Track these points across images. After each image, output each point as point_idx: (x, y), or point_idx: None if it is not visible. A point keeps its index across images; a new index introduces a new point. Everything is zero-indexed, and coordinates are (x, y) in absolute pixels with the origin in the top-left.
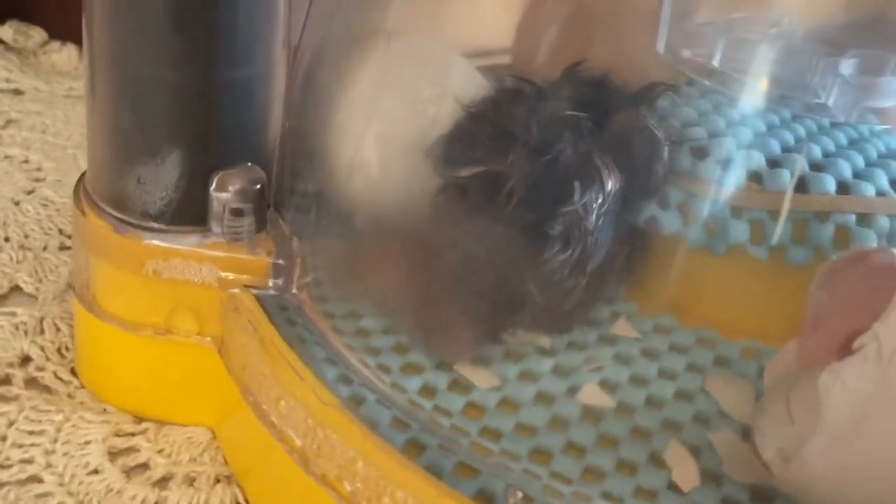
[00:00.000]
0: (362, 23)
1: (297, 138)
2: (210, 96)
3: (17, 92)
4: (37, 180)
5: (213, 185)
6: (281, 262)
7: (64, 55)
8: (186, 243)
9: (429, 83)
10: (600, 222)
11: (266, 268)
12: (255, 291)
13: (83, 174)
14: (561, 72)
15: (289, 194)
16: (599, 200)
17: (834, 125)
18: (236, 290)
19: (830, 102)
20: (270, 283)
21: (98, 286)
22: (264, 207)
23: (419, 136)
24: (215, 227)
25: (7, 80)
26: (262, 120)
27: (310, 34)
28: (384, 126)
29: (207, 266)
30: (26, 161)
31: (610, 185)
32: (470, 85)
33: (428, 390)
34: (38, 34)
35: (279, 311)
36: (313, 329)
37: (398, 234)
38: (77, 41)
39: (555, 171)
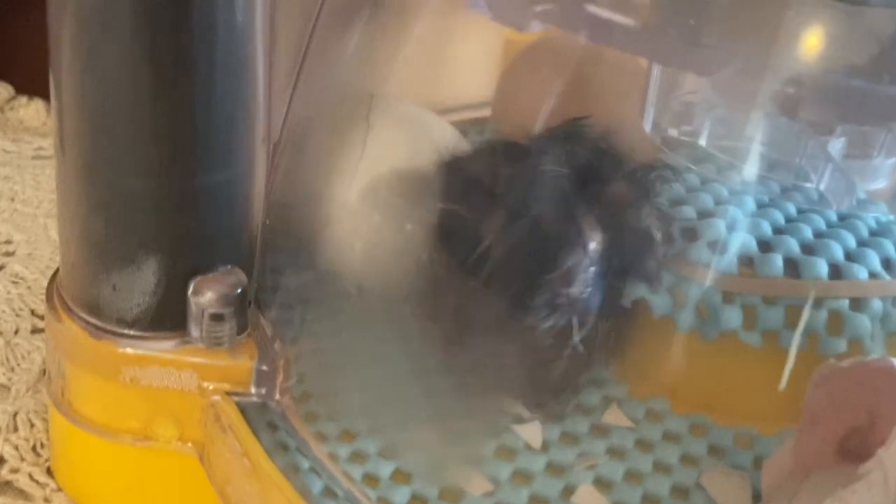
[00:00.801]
0: (345, 113)
1: (278, 234)
2: (188, 202)
3: None
4: (6, 254)
5: (192, 289)
6: (264, 367)
7: (31, 110)
8: (164, 349)
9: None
10: (587, 288)
11: (248, 373)
12: (236, 399)
13: (56, 271)
14: (560, 124)
15: (271, 292)
16: (584, 264)
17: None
18: (217, 398)
19: (822, 187)
20: (253, 391)
21: (73, 391)
22: (245, 310)
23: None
24: (194, 332)
25: None
26: (241, 220)
27: (290, 130)
28: (375, 210)
29: (187, 373)
30: None
31: (593, 246)
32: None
33: (418, 500)
34: (4, 90)
35: (261, 417)
36: (296, 436)
37: (392, 308)
38: (45, 96)
39: (536, 235)
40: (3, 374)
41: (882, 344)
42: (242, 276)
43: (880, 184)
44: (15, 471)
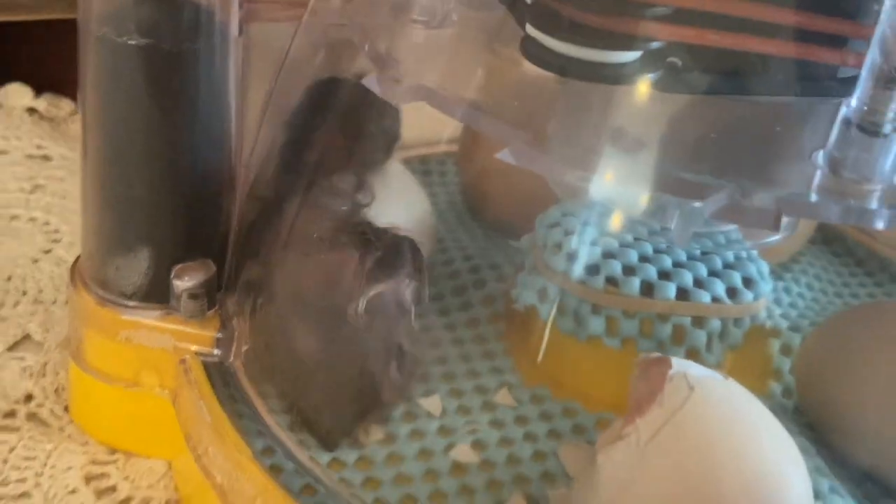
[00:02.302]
0: None
1: (245, 237)
2: (176, 209)
3: (46, 158)
4: (54, 241)
5: (174, 274)
6: (222, 336)
7: None
8: (151, 317)
9: None
10: None
11: (212, 340)
12: (202, 358)
13: (78, 257)
14: None
15: (235, 282)
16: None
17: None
18: (188, 357)
19: (672, 226)
20: (215, 353)
21: (85, 347)
22: (214, 292)
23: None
24: (174, 306)
25: (38, 147)
26: (216, 224)
27: (257, 157)
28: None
29: (167, 336)
30: (47, 223)
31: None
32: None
33: None
34: (67, 105)
35: (219, 374)
36: (242, 391)
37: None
38: None
39: None
40: (40, 333)
41: (721, 355)
42: (213, 267)
43: (729, 226)
44: (40, 405)
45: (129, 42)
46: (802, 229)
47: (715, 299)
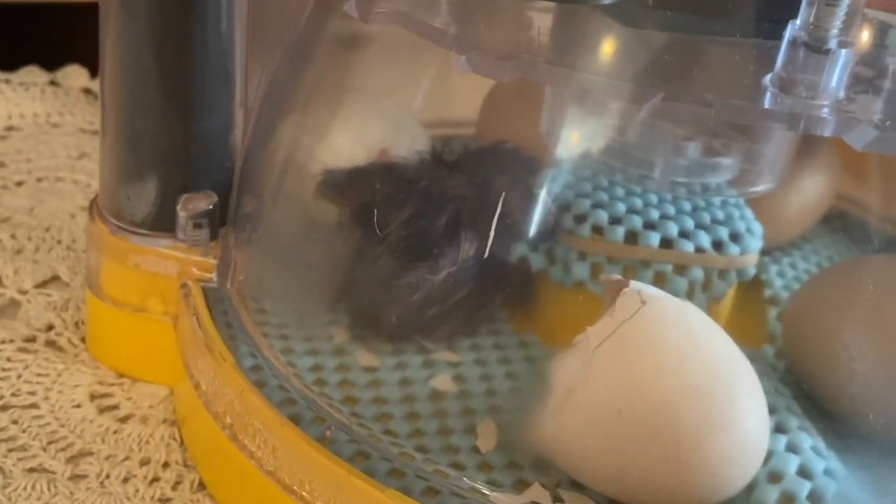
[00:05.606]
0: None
1: (246, 175)
2: (183, 141)
3: (96, 133)
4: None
5: (180, 204)
6: (223, 264)
7: None
8: (159, 245)
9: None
10: (454, 274)
11: (212, 268)
12: (202, 284)
13: (96, 195)
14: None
15: (235, 215)
16: (453, 267)
17: (687, 197)
18: (189, 282)
19: (657, 175)
20: (214, 279)
21: (99, 274)
22: (216, 223)
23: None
24: (180, 235)
25: (90, 123)
26: (221, 159)
27: (260, 99)
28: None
29: (171, 263)
30: (88, 185)
31: (463, 251)
32: (412, 142)
33: (318, 368)
34: None
35: (215, 298)
36: (235, 313)
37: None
38: None
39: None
40: (68, 275)
41: (703, 305)
42: (216, 198)
43: (727, 176)
44: (59, 335)
45: None
46: (809, 205)
47: (699, 249)
